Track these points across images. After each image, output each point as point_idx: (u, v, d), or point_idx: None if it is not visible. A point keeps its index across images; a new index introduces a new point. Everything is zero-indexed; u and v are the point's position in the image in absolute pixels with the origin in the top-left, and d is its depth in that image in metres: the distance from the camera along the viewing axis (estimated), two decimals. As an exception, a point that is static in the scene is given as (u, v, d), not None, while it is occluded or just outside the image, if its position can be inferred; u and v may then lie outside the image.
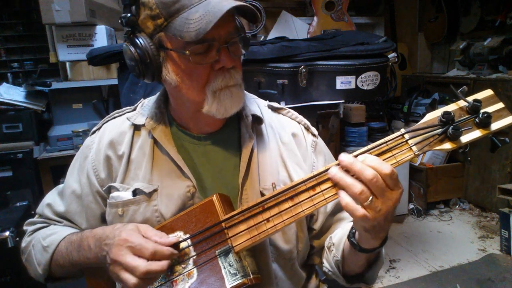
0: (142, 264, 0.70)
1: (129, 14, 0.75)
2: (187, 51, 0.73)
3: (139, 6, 0.75)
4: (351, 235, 0.78)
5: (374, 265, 0.83)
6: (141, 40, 0.76)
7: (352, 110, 2.95)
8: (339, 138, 2.83)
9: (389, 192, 0.64)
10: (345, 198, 0.64)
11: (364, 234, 0.72)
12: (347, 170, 0.65)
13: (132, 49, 0.76)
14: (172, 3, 0.72)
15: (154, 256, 0.70)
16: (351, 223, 0.79)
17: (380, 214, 0.64)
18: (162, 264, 0.71)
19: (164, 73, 0.79)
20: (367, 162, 0.63)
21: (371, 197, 0.62)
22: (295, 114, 0.99)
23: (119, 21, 0.78)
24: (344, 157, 0.64)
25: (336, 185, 0.66)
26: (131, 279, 0.70)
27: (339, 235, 0.89)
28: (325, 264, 0.92)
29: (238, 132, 0.89)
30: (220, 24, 0.69)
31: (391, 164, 0.65)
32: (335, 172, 0.65)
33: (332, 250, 0.88)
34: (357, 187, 0.62)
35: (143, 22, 0.76)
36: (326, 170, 0.67)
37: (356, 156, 0.65)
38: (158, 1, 0.72)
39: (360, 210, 0.63)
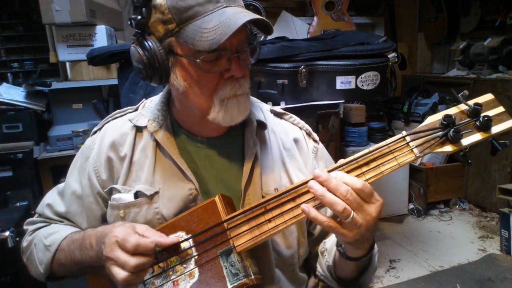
0: (131, 258, 0.69)
1: (139, 16, 0.74)
2: (198, 59, 0.72)
3: (150, 9, 0.73)
4: (338, 244, 0.79)
5: (366, 272, 0.84)
6: (150, 43, 0.74)
7: (352, 110, 2.95)
8: (339, 138, 2.83)
9: (367, 205, 0.64)
10: (312, 211, 0.65)
11: (347, 246, 0.74)
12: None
13: (140, 51, 0.75)
14: (186, 10, 0.70)
15: (137, 249, 0.69)
16: None
17: (361, 230, 0.64)
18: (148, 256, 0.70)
19: (172, 78, 0.78)
20: (339, 178, 0.64)
21: (352, 214, 0.63)
22: (297, 119, 0.99)
23: (129, 22, 0.76)
24: (320, 172, 0.65)
25: (316, 199, 0.66)
26: (120, 273, 0.69)
27: (332, 241, 0.89)
28: (318, 268, 0.92)
29: (242, 137, 0.88)
30: (233, 34, 0.68)
31: (393, 166, 0.66)
32: (317, 188, 0.65)
33: (325, 255, 0.89)
34: (340, 204, 0.62)
35: (153, 25, 0.74)
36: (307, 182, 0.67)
37: (329, 171, 0.66)
38: (171, 6, 0.70)
39: (326, 220, 0.64)
